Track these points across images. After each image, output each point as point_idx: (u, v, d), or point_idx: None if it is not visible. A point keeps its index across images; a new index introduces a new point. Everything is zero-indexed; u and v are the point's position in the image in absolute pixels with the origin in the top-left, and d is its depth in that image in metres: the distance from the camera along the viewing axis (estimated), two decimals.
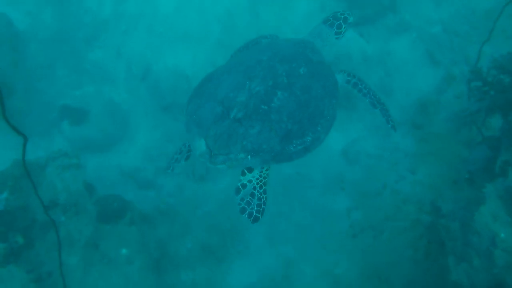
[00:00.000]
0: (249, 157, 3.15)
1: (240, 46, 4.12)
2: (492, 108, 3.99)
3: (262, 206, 3.26)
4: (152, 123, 5.46)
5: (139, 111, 5.51)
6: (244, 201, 3.26)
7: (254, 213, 3.24)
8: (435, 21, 5.11)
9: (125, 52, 5.76)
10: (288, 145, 3.20)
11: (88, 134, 5.33)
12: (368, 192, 4.77)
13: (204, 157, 3.17)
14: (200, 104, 3.34)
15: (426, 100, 4.72)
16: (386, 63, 5.18)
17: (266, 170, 3.37)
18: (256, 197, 3.30)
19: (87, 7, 5.95)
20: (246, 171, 3.32)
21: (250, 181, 3.33)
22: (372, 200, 4.72)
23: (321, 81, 3.39)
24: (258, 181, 3.35)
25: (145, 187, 5.19)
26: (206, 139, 3.16)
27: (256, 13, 5.79)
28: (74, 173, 4.76)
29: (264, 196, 3.30)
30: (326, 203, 4.86)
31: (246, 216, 3.24)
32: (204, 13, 5.81)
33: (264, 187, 3.33)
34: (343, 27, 3.87)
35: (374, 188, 4.76)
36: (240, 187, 3.28)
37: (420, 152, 4.71)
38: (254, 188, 3.31)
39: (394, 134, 4.66)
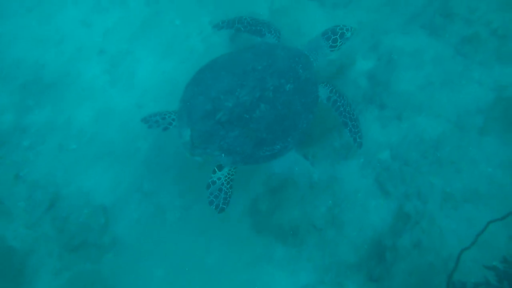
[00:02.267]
0: (223, 155, 3.70)
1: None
2: None
3: (228, 199, 3.86)
4: (56, 267, 4.38)
5: (41, 252, 4.41)
6: (213, 195, 3.84)
7: (221, 205, 3.84)
8: (383, 146, 4.79)
9: (27, 174, 4.72)
10: (258, 150, 3.74)
11: None
12: None
13: (186, 147, 3.73)
14: (195, 92, 3.83)
15: (381, 242, 4.24)
16: (335, 190, 4.71)
17: (234, 169, 3.92)
18: (223, 192, 3.85)
19: None
20: (216, 170, 3.88)
21: (219, 178, 3.87)
22: None
23: (303, 98, 3.90)
24: (226, 178, 3.88)
25: None
26: (192, 131, 3.68)
27: None
28: None
29: (230, 190, 3.89)
30: None
31: (213, 207, 3.83)
32: (129, 126, 5.04)
33: (231, 183, 3.90)
34: (338, 42, 4.36)
35: None
36: (211, 183, 3.86)
37: None
38: (222, 184, 3.86)
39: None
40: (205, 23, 5.43)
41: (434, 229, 4.15)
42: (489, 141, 4.44)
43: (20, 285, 4.21)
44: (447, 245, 4.04)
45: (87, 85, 5.25)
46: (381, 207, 4.53)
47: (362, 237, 4.42)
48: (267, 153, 3.79)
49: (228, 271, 4.51)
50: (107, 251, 4.52)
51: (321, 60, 4.43)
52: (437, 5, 5.17)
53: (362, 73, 5.12)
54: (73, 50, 5.40)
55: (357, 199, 4.64)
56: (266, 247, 4.59)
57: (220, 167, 3.89)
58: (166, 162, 4.85)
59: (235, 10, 5.35)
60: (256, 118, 3.67)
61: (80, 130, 4.97)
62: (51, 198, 4.59)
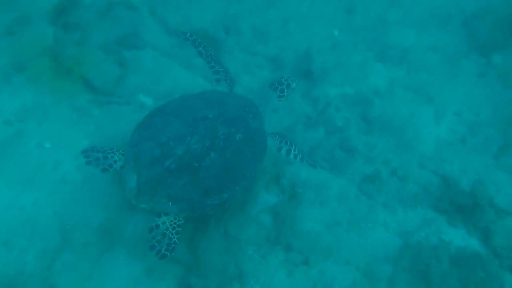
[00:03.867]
0: (170, 203, 3.65)
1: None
2: None
3: (172, 245, 3.65)
4: None
5: None
6: (155, 240, 3.63)
7: (163, 251, 3.60)
8: None
9: None
10: (206, 198, 3.69)
11: None
12: None
13: (131, 193, 3.63)
14: (144, 137, 3.78)
15: None
16: None
17: (182, 215, 3.79)
18: (167, 237, 3.67)
19: None
20: (162, 214, 3.75)
21: (164, 223, 3.73)
22: None
23: (252, 147, 3.94)
24: (172, 223, 3.74)
25: None
26: (139, 176, 3.61)
27: None
28: None
29: (176, 236, 3.71)
30: None
31: (155, 253, 3.59)
32: None
33: (177, 229, 3.73)
34: (285, 92, 4.66)
35: None
36: (154, 227, 3.70)
37: None
38: (167, 229, 3.70)
39: None
40: (83, 146, 4.56)
41: None
42: None
43: None
44: None
45: None
46: None
47: None
48: (215, 201, 3.74)
49: None
50: None
51: (268, 110, 4.62)
52: (336, 139, 5.11)
53: (266, 208, 4.63)
54: None
55: None
56: None
57: (166, 213, 3.76)
58: None
59: (119, 132, 4.65)
60: (205, 166, 3.65)
61: None
62: None
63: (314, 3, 6.67)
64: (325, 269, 4.25)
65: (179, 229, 3.74)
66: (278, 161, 4.87)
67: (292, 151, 4.38)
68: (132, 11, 5.94)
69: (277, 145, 4.38)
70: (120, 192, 4.19)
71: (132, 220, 4.24)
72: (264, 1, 6.57)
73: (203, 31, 6.02)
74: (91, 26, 5.60)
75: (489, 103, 5.46)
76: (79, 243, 4.07)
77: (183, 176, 3.61)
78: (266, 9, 6.51)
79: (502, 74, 5.70)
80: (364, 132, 5.29)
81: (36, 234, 4.02)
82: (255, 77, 5.93)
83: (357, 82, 5.86)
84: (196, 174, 3.63)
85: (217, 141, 3.75)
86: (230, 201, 3.87)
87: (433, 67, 5.99)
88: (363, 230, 4.39)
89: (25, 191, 4.21)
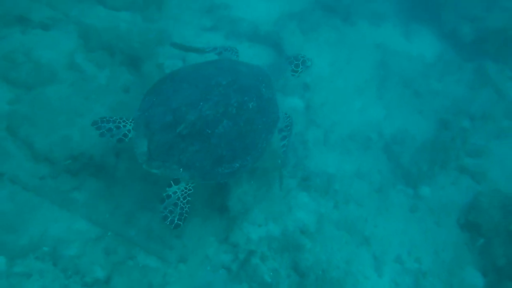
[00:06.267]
0: (181, 169, 3.56)
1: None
2: None
3: (184, 215, 3.63)
4: None
5: None
6: (167, 210, 3.61)
7: (176, 221, 3.59)
8: None
9: None
10: (217, 167, 3.64)
11: None
12: None
13: (142, 158, 3.56)
14: (154, 103, 3.69)
15: None
16: None
17: (192, 184, 3.73)
18: (178, 207, 3.64)
19: None
20: (172, 183, 3.68)
21: (175, 193, 3.67)
22: None
23: (264, 117, 3.89)
24: (182, 193, 3.69)
25: None
26: (150, 142, 3.56)
27: None
28: None
29: (187, 206, 3.68)
30: None
31: (168, 223, 3.59)
32: None
33: (188, 198, 3.69)
34: (300, 67, 4.68)
35: None
36: (165, 197, 3.66)
37: None
38: (178, 198, 3.65)
39: None
40: None
41: None
42: None
43: None
44: None
45: None
46: None
47: None
48: (226, 170, 3.69)
49: None
50: None
51: (279, 82, 4.65)
52: None
53: None
54: None
55: None
56: None
57: (176, 181, 3.69)
58: None
59: None
60: (218, 133, 3.58)
61: None
62: None
63: None
64: None
65: (190, 199, 3.70)
66: None
67: (286, 138, 4.46)
68: None
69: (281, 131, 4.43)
70: None
71: None
72: None
73: (86, 156, 4.59)
74: None
75: (428, 245, 4.92)
76: None
77: (195, 142, 3.54)
78: None
79: (433, 209, 5.28)
80: None
81: None
82: None
83: (282, 218, 4.92)
84: (208, 141, 3.56)
85: (231, 109, 3.66)
86: (241, 171, 3.81)
87: (362, 199, 5.36)
88: None
89: None
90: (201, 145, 3.54)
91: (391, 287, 4.45)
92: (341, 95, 6.44)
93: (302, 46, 6.69)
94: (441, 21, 8.26)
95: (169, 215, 3.59)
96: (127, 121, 3.80)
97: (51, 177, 4.38)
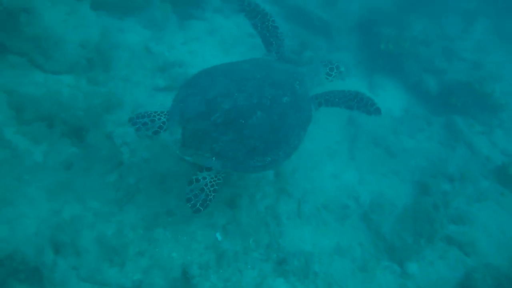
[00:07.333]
0: (213, 158, 3.60)
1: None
2: None
3: (207, 202, 3.63)
4: None
5: None
6: (193, 193, 3.64)
7: (198, 206, 3.60)
8: None
9: None
10: (250, 159, 3.64)
11: None
12: None
13: (176, 145, 3.63)
14: (190, 93, 3.77)
15: None
16: None
17: (223, 173, 3.78)
18: (204, 193, 3.64)
19: None
20: (204, 169, 3.72)
21: (204, 178, 3.69)
22: None
23: (298, 113, 3.92)
24: (211, 180, 3.71)
25: None
26: (184, 129, 3.63)
27: None
28: None
29: (213, 194, 3.68)
30: None
31: (190, 206, 3.61)
32: None
33: (215, 187, 3.71)
34: (334, 71, 4.69)
35: None
36: (194, 180, 3.69)
37: None
38: (206, 185, 3.67)
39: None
40: None
41: None
42: None
43: None
44: None
45: None
46: None
47: None
48: (258, 163, 3.68)
49: None
50: None
51: (314, 83, 4.56)
52: None
53: None
54: None
55: None
56: None
57: (208, 168, 3.72)
58: None
59: None
60: (252, 124, 3.60)
61: None
62: None
63: None
64: None
65: (217, 188, 3.71)
66: None
67: (330, 100, 4.48)
68: None
69: (316, 106, 4.46)
70: None
71: None
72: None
73: (16, 259, 3.70)
74: None
75: None
76: None
77: (229, 132, 3.56)
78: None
79: None
80: None
81: None
82: None
83: None
84: (242, 132, 3.57)
85: (264, 101, 3.72)
86: (271, 166, 3.78)
87: (345, 280, 4.72)
88: None
89: None
90: (234, 135, 3.58)
91: None
92: (312, 159, 5.94)
93: None
94: (404, 72, 8.11)
95: (193, 198, 3.62)
96: (161, 114, 3.88)
97: None
